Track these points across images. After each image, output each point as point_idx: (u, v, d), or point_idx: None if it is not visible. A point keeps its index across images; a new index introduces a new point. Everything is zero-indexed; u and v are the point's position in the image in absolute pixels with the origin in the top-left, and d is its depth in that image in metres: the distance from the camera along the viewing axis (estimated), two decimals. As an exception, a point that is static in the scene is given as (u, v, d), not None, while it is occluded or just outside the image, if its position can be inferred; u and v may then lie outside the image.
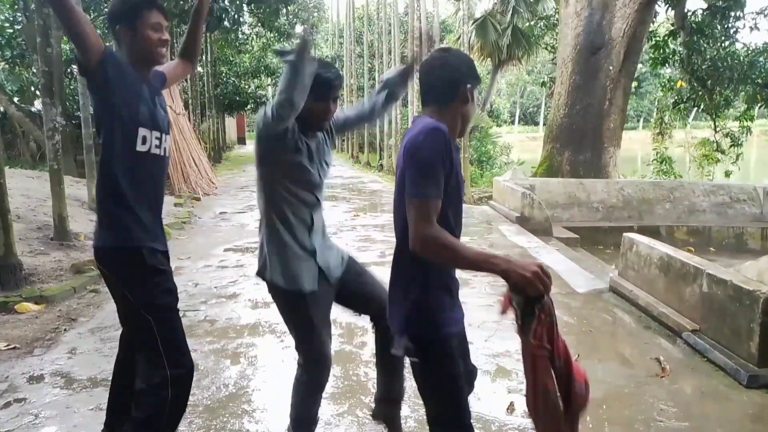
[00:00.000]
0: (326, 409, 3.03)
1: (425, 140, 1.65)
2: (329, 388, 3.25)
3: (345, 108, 2.67)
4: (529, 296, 1.61)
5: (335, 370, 3.47)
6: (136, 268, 2.11)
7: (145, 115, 2.08)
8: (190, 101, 15.85)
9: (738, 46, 12.24)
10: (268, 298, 2.45)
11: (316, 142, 2.34)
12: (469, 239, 7.54)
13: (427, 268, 1.75)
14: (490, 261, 1.62)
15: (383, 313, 2.04)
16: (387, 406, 2.57)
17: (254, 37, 23.78)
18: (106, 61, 1.99)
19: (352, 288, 2.45)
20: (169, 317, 2.17)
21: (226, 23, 8.12)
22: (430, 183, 1.63)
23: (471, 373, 1.99)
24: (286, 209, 2.28)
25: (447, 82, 1.78)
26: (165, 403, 2.09)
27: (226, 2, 7.89)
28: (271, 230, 2.31)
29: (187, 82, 15.72)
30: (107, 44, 2.07)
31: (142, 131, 2.07)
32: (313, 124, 2.28)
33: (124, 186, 2.07)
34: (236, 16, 8.05)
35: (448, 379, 1.80)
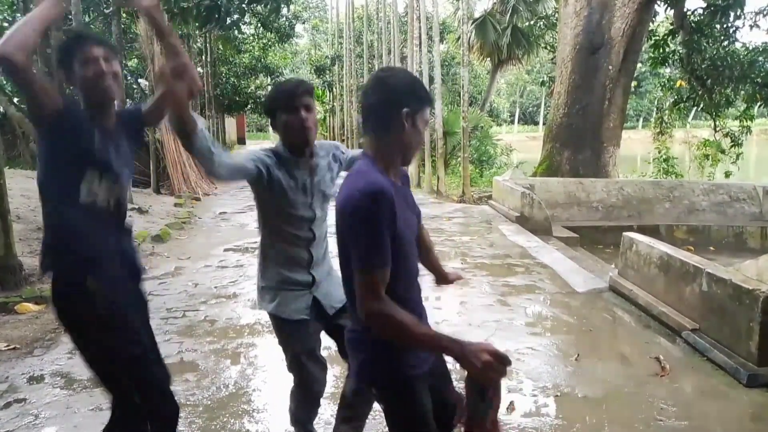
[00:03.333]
0: (326, 409, 3.03)
1: (363, 205, 1.48)
2: (329, 388, 3.25)
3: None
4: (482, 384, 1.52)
5: (335, 371, 3.47)
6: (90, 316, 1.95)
7: (91, 167, 1.93)
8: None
9: (738, 45, 12.23)
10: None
11: (312, 173, 2.25)
12: (469, 239, 7.54)
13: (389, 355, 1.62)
14: (442, 345, 1.51)
15: None
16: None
17: (255, 37, 23.77)
18: (63, 114, 1.87)
19: (341, 321, 2.33)
20: (141, 364, 2.02)
21: (232, 18, 8.11)
22: (374, 254, 1.49)
23: (448, 407, 1.79)
24: (280, 245, 2.28)
25: (383, 107, 1.58)
26: None
27: (224, 1, 7.87)
28: (262, 259, 2.34)
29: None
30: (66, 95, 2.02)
31: (88, 179, 1.92)
32: (296, 142, 2.18)
33: (71, 238, 1.95)
34: (231, 9, 8.01)
35: (413, 422, 1.66)
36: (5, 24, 11.41)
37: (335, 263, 2.45)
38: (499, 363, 1.45)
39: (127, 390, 1.98)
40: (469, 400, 1.57)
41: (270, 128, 2.37)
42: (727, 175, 13.45)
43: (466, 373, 1.52)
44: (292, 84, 2.21)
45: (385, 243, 1.50)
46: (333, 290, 2.34)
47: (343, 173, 2.45)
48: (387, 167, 1.61)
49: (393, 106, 1.57)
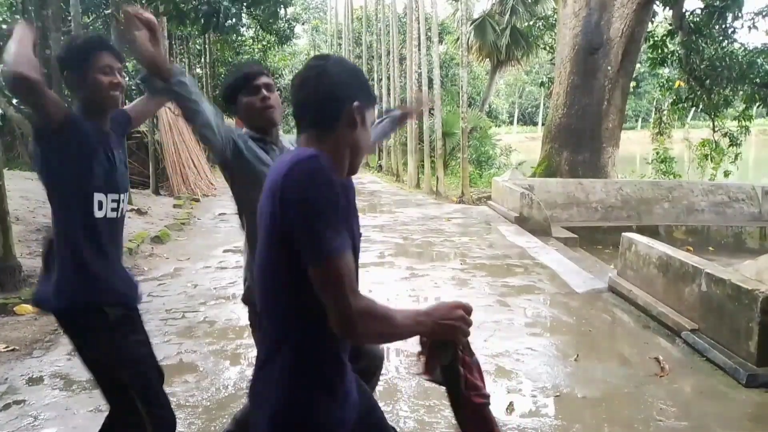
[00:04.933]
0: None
1: (304, 178, 1.22)
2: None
3: None
4: (456, 345, 1.37)
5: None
6: (99, 327, 1.97)
7: (100, 179, 1.96)
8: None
9: (736, 46, 12.24)
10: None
11: (281, 153, 2.18)
12: (468, 239, 7.55)
13: (299, 360, 1.31)
14: (418, 322, 1.32)
15: (363, 355, 2.10)
16: None
17: (254, 39, 23.78)
18: (68, 126, 1.88)
19: None
20: (142, 371, 2.02)
21: (230, 22, 8.13)
22: (333, 233, 1.21)
23: None
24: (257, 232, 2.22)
25: (326, 100, 1.32)
26: None
27: (227, 2, 7.88)
28: (248, 253, 2.27)
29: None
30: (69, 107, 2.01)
31: (98, 196, 1.96)
32: (261, 122, 2.16)
33: (86, 254, 1.96)
34: (232, 9, 8.03)
35: None
36: (3, 26, 11.41)
37: None
38: (467, 313, 1.35)
39: (130, 397, 1.98)
40: (440, 373, 1.40)
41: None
42: (726, 174, 13.47)
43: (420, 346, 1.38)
44: (247, 65, 2.29)
45: (342, 219, 1.26)
46: None
47: None
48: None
49: (340, 98, 1.32)
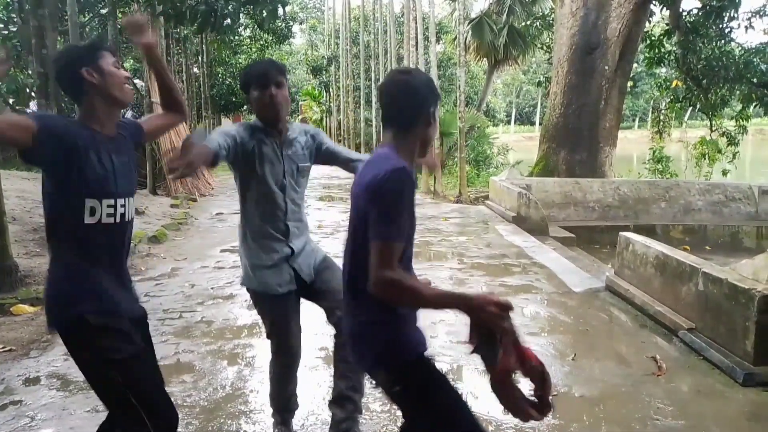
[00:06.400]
0: (324, 410, 3.03)
1: (390, 183, 1.63)
2: (328, 388, 3.25)
3: (345, 149, 2.82)
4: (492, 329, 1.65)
5: (333, 371, 3.47)
6: (84, 334, 1.94)
7: (94, 184, 1.91)
8: (186, 102, 15.82)
9: (733, 45, 12.27)
10: (265, 298, 2.50)
11: (282, 144, 2.41)
12: (466, 239, 7.55)
13: (393, 318, 1.75)
14: (452, 302, 1.70)
15: (335, 307, 2.35)
16: (343, 409, 2.59)
17: (251, 38, 23.76)
18: (45, 138, 1.82)
19: (318, 285, 2.54)
20: (135, 367, 1.98)
21: (227, 22, 8.12)
22: (394, 227, 1.62)
23: None
24: (257, 219, 2.43)
25: (411, 107, 1.76)
26: None
27: (222, 1, 7.87)
28: (243, 237, 2.49)
29: (183, 83, 15.70)
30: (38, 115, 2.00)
31: (90, 202, 1.91)
32: (267, 116, 2.36)
33: (73, 259, 1.94)
34: (229, 9, 8.02)
35: (445, 394, 1.74)
36: (1, 25, 11.39)
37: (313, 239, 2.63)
38: (503, 310, 1.63)
39: (125, 396, 1.95)
40: (481, 349, 1.70)
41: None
42: (725, 173, 13.50)
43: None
44: (264, 63, 2.44)
45: (404, 219, 1.64)
46: (309, 260, 2.51)
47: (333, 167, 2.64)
48: (406, 159, 1.74)
49: (420, 105, 1.75)
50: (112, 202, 1.96)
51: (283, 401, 2.66)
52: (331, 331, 2.60)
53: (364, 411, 3.01)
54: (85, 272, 1.94)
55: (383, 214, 1.62)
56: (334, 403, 2.61)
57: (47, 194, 1.95)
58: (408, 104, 1.75)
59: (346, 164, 2.60)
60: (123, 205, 1.99)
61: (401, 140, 1.76)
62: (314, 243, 2.63)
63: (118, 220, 1.98)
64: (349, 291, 1.80)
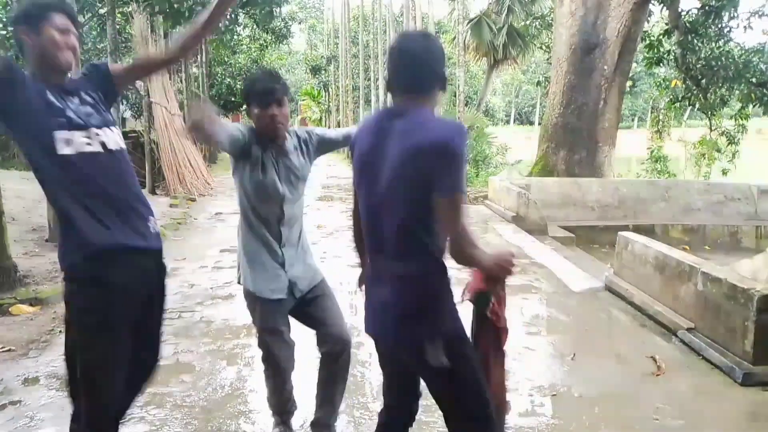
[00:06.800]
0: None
1: (458, 138, 1.68)
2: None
3: (333, 128, 2.83)
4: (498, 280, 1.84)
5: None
6: (70, 288, 1.90)
7: (57, 120, 1.85)
8: (185, 102, 15.83)
9: (732, 45, 12.28)
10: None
11: (282, 156, 2.42)
12: (465, 239, 7.54)
13: (443, 268, 1.79)
14: (488, 255, 1.78)
15: (328, 338, 2.44)
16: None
17: (250, 38, 23.75)
18: (7, 73, 1.81)
19: (314, 310, 2.53)
20: (96, 341, 1.88)
21: (224, 22, 8.10)
22: (463, 181, 1.69)
23: None
24: (254, 221, 2.44)
25: (435, 72, 1.78)
26: None
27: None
28: (243, 239, 2.50)
29: (182, 83, 15.69)
30: None
31: (60, 134, 1.85)
32: (265, 134, 2.36)
33: (66, 199, 1.88)
34: (232, 15, 8.04)
35: (477, 371, 1.82)
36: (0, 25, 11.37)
37: (310, 248, 2.62)
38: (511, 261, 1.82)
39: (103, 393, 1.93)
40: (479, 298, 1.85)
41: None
42: (725, 172, 13.50)
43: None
44: (266, 80, 2.37)
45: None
46: (303, 275, 2.50)
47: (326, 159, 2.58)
48: None
49: (442, 68, 1.79)
50: (84, 132, 1.89)
51: (281, 405, 2.66)
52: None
53: (363, 411, 3.03)
54: (74, 218, 1.87)
55: (457, 169, 1.66)
56: (313, 427, 2.64)
57: (23, 152, 1.91)
58: (433, 68, 1.77)
59: (346, 142, 2.60)
60: (98, 134, 1.92)
61: (427, 103, 1.78)
62: (314, 263, 2.62)
63: (100, 148, 1.92)
64: (401, 258, 1.78)
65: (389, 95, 1.85)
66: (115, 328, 1.93)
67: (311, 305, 2.53)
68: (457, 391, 1.81)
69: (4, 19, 11.83)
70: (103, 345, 1.91)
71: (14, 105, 1.82)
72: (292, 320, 2.59)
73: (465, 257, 1.72)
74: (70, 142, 1.86)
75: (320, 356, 2.55)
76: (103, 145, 1.93)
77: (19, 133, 1.88)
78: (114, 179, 1.95)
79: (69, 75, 1.97)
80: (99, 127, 1.94)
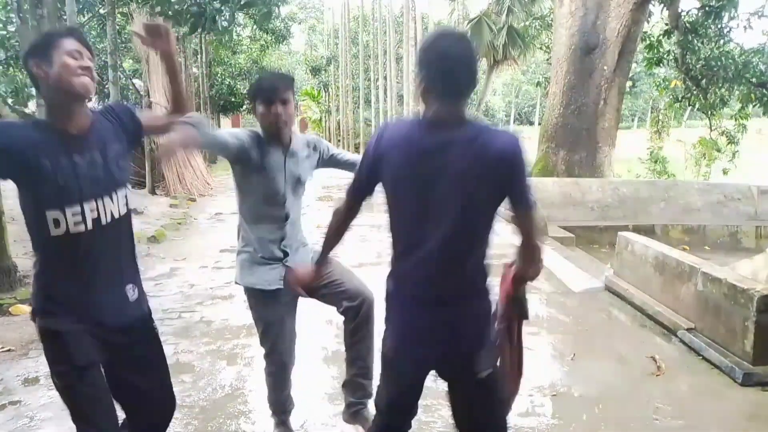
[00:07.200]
0: (324, 410, 3.03)
1: (523, 150, 1.64)
2: (328, 388, 3.26)
3: (345, 151, 2.86)
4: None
5: (332, 371, 3.48)
6: (42, 339, 1.86)
7: (50, 195, 1.74)
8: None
9: (732, 45, 12.28)
10: (264, 298, 2.49)
11: (285, 155, 2.41)
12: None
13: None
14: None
15: (344, 295, 2.41)
16: (353, 394, 2.57)
17: (251, 38, 23.74)
18: None
19: (321, 285, 2.45)
20: (69, 386, 1.83)
21: (224, 23, 8.09)
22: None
23: None
24: (255, 223, 2.44)
25: (476, 73, 1.69)
26: None
27: (217, 3, 7.87)
28: (242, 239, 2.51)
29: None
30: None
31: (51, 214, 1.74)
32: (269, 131, 2.36)
33: (44, 267, 1.85)
34: (231, 15, 8.03)
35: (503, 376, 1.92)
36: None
37: (307, 239, 2.62)
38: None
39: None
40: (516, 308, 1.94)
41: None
42: (725, 172, 13.50)
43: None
44: (272, 78, 2.43)
45: None
46: (305, 259, 2.49)
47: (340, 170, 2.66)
48: None
49: (477, 71, 1.72)
50: (77, 209, 1.76)
51: (279, 404, 2.67)
52: (331, 330, 2.60)
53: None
54: (51, 282, 1.84)
55: (528, 181, 1.66)
56: (345, 387, 2.61)
57: (21, 205, 1.84)
58: (476, 71, 1.69)
59: (350, 167, 2.60)
60: (94, 209, 1.79)
61: (465, 110, 1.68)
62: (310, 246, 2.61)
63: (90, 226, 1.79)
64: (469, 275, 1.78)
65: (420, 100, 1.71)
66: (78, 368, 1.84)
67: (321, 283, 2.44)
68: (494, 399, 1.84)
69: (4, 19, 11.84)
70: (81, 384, 1.84)
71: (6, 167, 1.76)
72: (295, 321, 2.59)
73: (538, 262, 1.83)
74: (59, 223, 1.76)
75: (343, 319, 2.51)
76: (96, 221, 1.81)
77: (19, 196, 1.85)
78: (95, 256, 1.84)
79: (89, 101, 1.86)
80: (101, 197, 1.82)
